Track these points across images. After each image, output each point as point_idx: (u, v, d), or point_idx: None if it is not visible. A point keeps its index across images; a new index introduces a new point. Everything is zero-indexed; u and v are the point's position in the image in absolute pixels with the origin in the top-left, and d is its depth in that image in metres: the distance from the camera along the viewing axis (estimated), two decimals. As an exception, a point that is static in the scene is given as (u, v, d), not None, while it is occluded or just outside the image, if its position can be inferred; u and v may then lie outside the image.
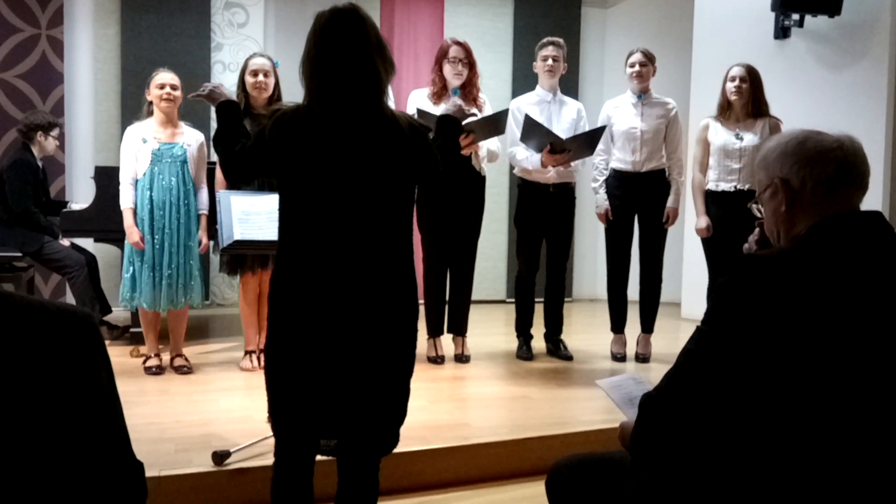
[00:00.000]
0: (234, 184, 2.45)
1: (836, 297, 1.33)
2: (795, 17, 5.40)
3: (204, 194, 4.16)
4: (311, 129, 1.99)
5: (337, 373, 2.01)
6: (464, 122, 4.01)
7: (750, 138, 4.30)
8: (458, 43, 4.35)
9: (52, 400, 1.03)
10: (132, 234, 3.93)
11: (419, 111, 4.07)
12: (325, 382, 2.02)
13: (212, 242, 4.26)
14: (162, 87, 3.98)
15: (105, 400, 1.10)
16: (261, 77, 4.05)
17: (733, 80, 4.32)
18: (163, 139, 4.02)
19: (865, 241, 1.40)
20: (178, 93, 4.03)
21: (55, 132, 5.00)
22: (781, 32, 5.53)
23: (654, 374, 4.19)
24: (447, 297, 4.57)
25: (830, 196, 1.44)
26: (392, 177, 2.03)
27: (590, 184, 4.72)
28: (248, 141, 2.13)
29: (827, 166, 1.45)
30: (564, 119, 4.55)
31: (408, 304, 2.10)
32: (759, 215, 1.60)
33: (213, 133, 2.26)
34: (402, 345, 2.09)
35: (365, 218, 2.00)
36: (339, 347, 2.00)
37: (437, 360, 4.45)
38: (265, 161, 2.06)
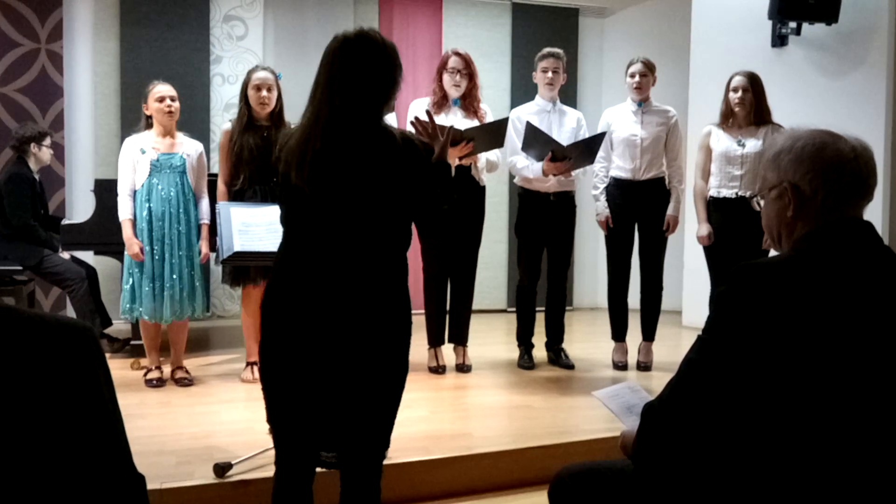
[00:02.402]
0: None
1: (836, 305, 1.32)
2: (793, 24, 5.42)
3: (205, 204, 4.16)
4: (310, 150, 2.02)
5: (328, 382, 2.03)
6: (464, 129, 4.05)
7: (752, 145, 4.30)
8: (458, 54, 4.35)
9: (53, 414, 1.03)
10: (131, 245, 3.93)
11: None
12: (318, 391, 2.03)
13: (213, 254, 4.26)
14: (161, 100, 3.99)
15: (106, 413, 1.09)
16: (264, 92, 4.05)
17: (736, 90, 4.31)
18: (162, 150, 4.03)
19: (863, 250, 1.40)
20: (177, 104, 4.04)
21: (47, 141, 5.00)
22: (779, 40, 5.54)
23: (656, 382, 4.18)
24: (448, 307, 4.56)
25: (839, 205, 1.43)
26: (386, 192, 2.04)
27: (590, 192, 4.72)
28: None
29: (842, 178, 1.43)
30: (565, 128, 4.55)
31: (400, 316, 2.10)
32: (757, 209, 1.59)
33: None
34: (393, 356, 2.10)
35: (357, 232, 2.02)
36: (330, 358, 2.02)
37: (438, 370, 4.43)
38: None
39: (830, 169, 1.43)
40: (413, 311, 2.18)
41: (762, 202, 1.55)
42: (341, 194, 2.00)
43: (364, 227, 2.02)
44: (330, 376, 2.02)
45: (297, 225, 2.06)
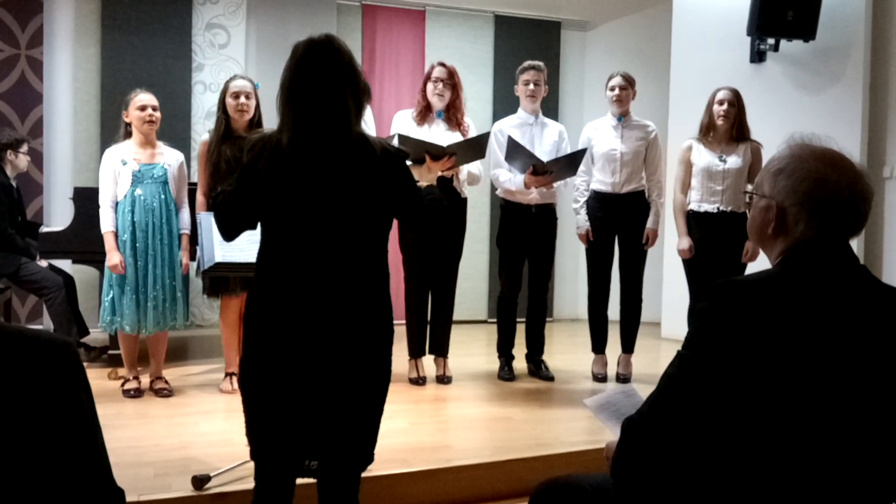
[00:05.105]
0: (229, 235, 2.17)
1: (814, 323, 1.34)
2: (771, 41, 5.50)
3: (185, 214, 4.13)
4: (281, 157, 2.04)
5: (311, 393, 2.03)
6: (445, 145, 4.07)
7: (733, 161, 4.36)
8: (443, 65, 4.39)
9: (33, 428, 1.02)
10: (112, 258, 3.89)
11: (401, 137, 4.08)
12: (300, 402, 2.04)
13: (192, 264, 4.23)
14: (143, 108, 3.95)
15: (85, 428, 1.09)
16: (242, 99, 4.04)
17: (721, 103, 4.37)
18: (143, 160, 3.99)
19: (841, 269, 1.42)
20: (158, 114, 4.01)
21: (24, 148, 4.96)
22: (757, 56, 5.62)
23: (636, 394, 4.19)
24: (429, 318, 4.56)
25: (819, 237, 1.44)
26: (362, 200, 2.05)
27: (571, 205, 4.75)
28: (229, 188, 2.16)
29: (829, 218, 1.43)
30: (546, 141, 4.58)
31: (382, 324, 2.12)
32: (748, 200, 1.60)
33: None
34: (376, 365, 2.11)
35: (336, 242, 2.03)
36: (312, 368, 2.03)
37: (418, 381, 4.43)
38: (250, 191, 2.07)
39: (820, 208, 1.43)
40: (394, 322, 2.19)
41: (753, 198, 1.55)
42: (319, 204, 2.02)
43: (343, 237, 2.03)
44: (313, 387, 2.02)
45: (276, 235, 2.07)
